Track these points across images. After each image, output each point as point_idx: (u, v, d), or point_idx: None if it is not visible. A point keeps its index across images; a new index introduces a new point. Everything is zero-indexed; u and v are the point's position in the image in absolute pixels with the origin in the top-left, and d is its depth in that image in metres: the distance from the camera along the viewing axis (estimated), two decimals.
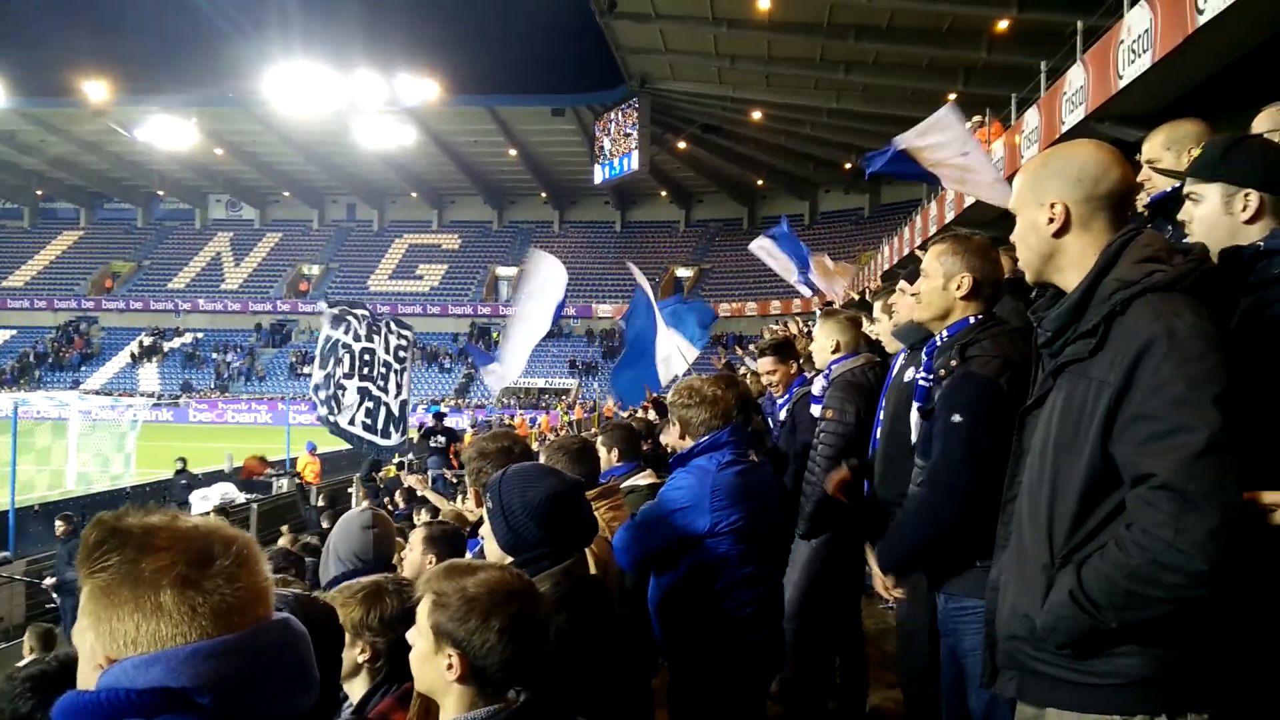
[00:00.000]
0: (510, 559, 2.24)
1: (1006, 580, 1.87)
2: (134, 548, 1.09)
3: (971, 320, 2.69)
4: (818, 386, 4.36)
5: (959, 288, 2.70)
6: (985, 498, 2.55)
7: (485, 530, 2.35)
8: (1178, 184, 2.49)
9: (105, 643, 1.09)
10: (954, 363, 2.62)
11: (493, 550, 2.31)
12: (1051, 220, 1.80)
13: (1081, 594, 1.63)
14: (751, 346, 13.13)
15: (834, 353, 4.23)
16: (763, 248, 11.31)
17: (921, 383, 2.76)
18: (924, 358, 2.79)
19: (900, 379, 3.28)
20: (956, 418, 2.53)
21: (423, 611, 1.74)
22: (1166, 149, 2.90)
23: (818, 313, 6.46)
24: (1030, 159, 1.92)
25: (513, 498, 2.25)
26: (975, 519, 2.61)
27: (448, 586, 1.72)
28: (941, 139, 6.57)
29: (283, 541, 10.78)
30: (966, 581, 2.69)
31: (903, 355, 3.39)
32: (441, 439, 17.60)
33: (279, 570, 4.65)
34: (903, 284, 3.39)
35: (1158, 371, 1.58)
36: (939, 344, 2.74)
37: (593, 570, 2.97)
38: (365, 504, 8.64)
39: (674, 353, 9.18)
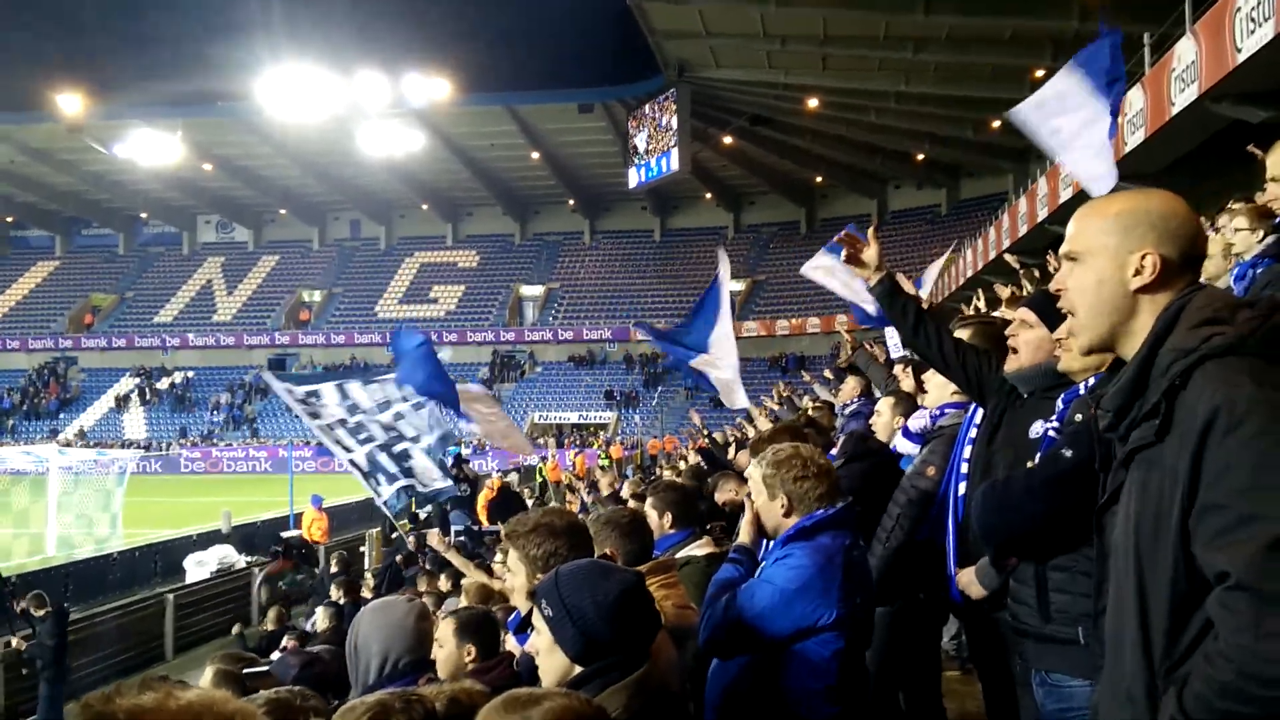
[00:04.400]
0: (578, 669, 2.26)
1: (1106, 710, 1.84)
2: None
3: None
4: (917, 423, 4.21)
5: None
6: (1042, 536, 2.65)
7: (539, 643, 2.34)
8: None
9: None
10: (1092, 410, 2.58)
11: (553, 666, 2.31)
12: (1138, 273, 1.77)
13: None
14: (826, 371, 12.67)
15: (955, 394, 3.98)
16: (820, 267, 9.96)
17: (1051, 435, 2.70)
18: (1059, 405, 2.71)
19: (1017, 432, 3.15)
20: (1068, 453, 2.48)
21: None
22: None
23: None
24: (1095, 203, 1.88)
25: (581, 598, 2.26)
26: (1025, 545, 2.70)
27: None
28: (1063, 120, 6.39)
29: (269, 620, 11.43)
30: (1066, 658, 2.66)
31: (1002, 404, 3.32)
32: (465, 487, 17.58)
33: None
34: (1024, 313, 3.14)
35: (1220, 453, 1.54)
36: (1081, 392, 2.65)
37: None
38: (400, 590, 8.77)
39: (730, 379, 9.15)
